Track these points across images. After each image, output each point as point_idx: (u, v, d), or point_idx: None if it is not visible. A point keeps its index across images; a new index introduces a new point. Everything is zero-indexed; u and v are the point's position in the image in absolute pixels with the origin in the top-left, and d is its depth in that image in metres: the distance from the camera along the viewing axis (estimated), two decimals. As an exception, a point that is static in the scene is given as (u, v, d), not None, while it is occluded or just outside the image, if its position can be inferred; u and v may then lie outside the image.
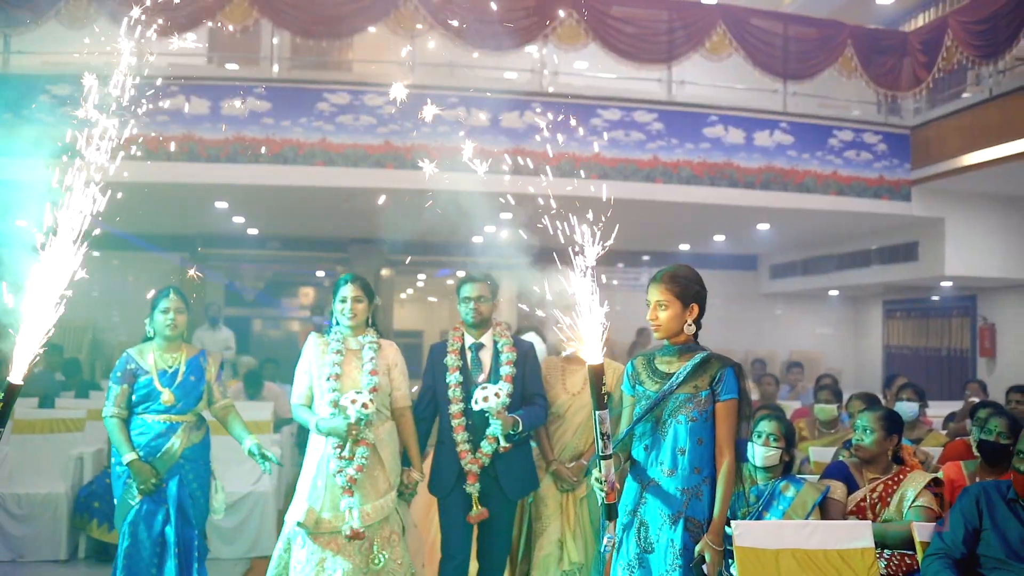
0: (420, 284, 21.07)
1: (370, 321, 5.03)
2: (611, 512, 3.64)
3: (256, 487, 7.39)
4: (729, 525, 4.05)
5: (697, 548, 3.58)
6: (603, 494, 3.58)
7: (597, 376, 3.47)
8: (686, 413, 3.71)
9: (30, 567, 6.88)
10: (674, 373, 3.77)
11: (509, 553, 5.24)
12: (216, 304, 13.65)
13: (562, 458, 5.24)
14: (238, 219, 13.23)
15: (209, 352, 5.50)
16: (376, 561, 4.67)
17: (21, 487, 7.07)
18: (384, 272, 16.05)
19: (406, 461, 4.95)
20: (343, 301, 4.89)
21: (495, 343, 5.11)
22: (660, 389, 3.76)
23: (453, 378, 4.99)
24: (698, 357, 3.78)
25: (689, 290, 3.82)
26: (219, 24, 10.20)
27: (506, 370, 4.98)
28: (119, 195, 3.21)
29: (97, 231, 3.08)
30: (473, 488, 4.87)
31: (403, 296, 22.50)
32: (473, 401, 4.74)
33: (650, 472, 3.75)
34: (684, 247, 16.16)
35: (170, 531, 4.94)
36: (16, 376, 3.02)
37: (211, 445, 5.37)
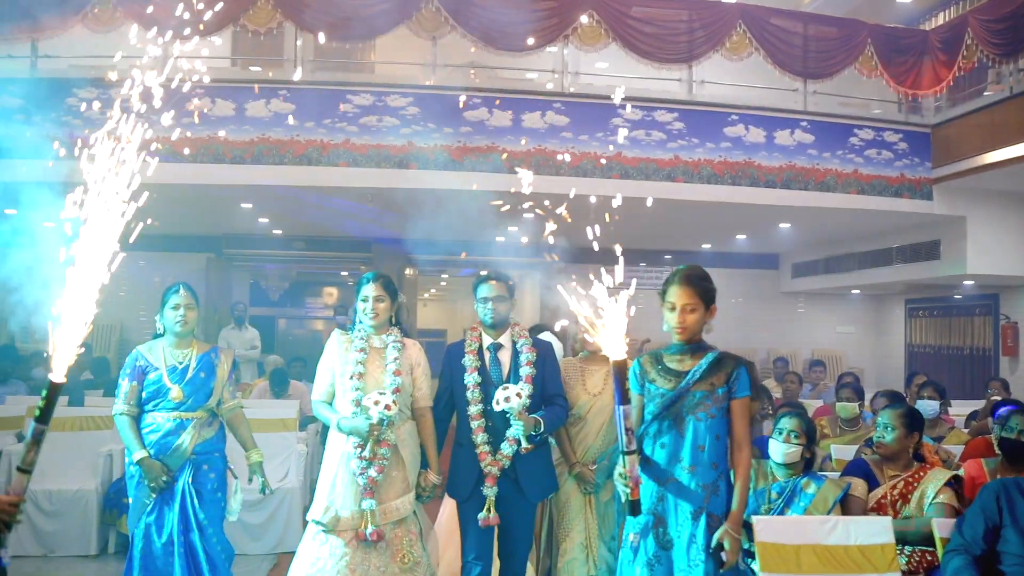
0: (443, 284, 21.14)
1: (394, 320, 4.98)
2: (635, 508, 3.64)
3: (282, 483, 7.47)
4: (750, 521, 4.11)
5: (716, 536, 3.62)
6: (627, 490, 3.59)
7: (621, 372, 3.49)
8: (704, 410, 3.75)
9: (61, 562, 6.99)
10: (687, 371, 3.80)
11: (529, 552, 5.15)
12: (242, 304, 13.78)
13: (584, 460, 5.18)
14: (263, 219, 13.34)
15: (223, 350, 5.45)
16: (405, 559, 4.66)
17: (52, 483, 7.17)
18: (408, 272, 16.13)
19: (424, 463, 4.90)
20: (365, 300, 4.84)
21: (514, 343, 5.00)
22: (676, 387, 3.78)
23: (471, 379, 4.87)
24: (712, 355, 3.82)
25: (710, 291, 3.87)
26: (243, 27, 10.31)
27: (526, 370, 4.87)
28: (147, 197, 3.28)
29: (135, 230, 3.15)
30: (491, 491, 4.76)
31: (426, 296, 22.58)
32: (494, 402, 4.63)
33: (669, 470, 3.77)
34: (706, 246, 16.15)
35: (175, 532, 4.92)
36: (58, 374, 3.08)
37: (227, 439, 5.37)
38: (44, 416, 3.14)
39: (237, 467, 5.46)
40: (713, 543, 3.62)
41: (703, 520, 3.69)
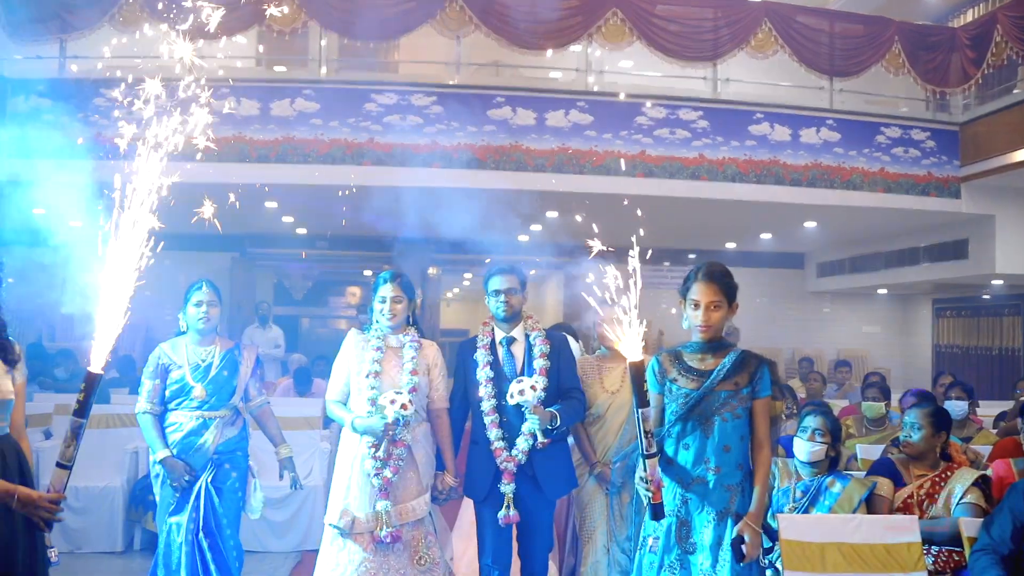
0: (467, 283, 21.16)
1: (411, 320, 4.89)
2: (657, 512, 3.56)
3: (306, 481, 7.48)
4: (770, 524, 4.08)
5: (736, 528, 3.58)
6: (649, 494, 3.51)
7: (638, 373, 3.42)
8: (730, 410, 3.69)
9: (87, 558, 7.03)
10: (710, 370, 3.73)
11: (551, 551, 5.05)
12: (266, 303, 13.83)
13: (605, 459, 5.07)
14: (287, 219, 13.39)
15: (246, 347, 5.40)
16: (423, 561, 4.59)
17: (78, 480, 7.19)
18: (431, 271, 16.14)
19: (441, 464, 4.82)
20: (382, 300, 4.76)
21: (527, 336, 4.88)
22: (700, 387, 3.71)
23: (484, 374, 4.76)
24: (735, 354, 3.76)
25: (733, 288, 3.80)
26: (268, 27, 10.36)
27: (540, 363, 4.74)
28: (177, 195, 3.30)
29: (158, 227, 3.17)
30: (508, 488, 4.65)
31: (450, 295, 22.58)
32: (509, 395, 4.53)
33: (694, 471, 3.71)
34: (731, 245, 16.09)
35: (186, 532, 4.90)
36: (96, 365, 3.09)
37: (250, 437, 5.35)
38: (83, 410, 3.14)
39: (260, 464, 5.45)
40: (733, 534, 3.58)
41: (730, 522, 3.64)
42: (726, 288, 3.76)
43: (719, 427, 3.69)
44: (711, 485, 3.68)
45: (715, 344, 3.78)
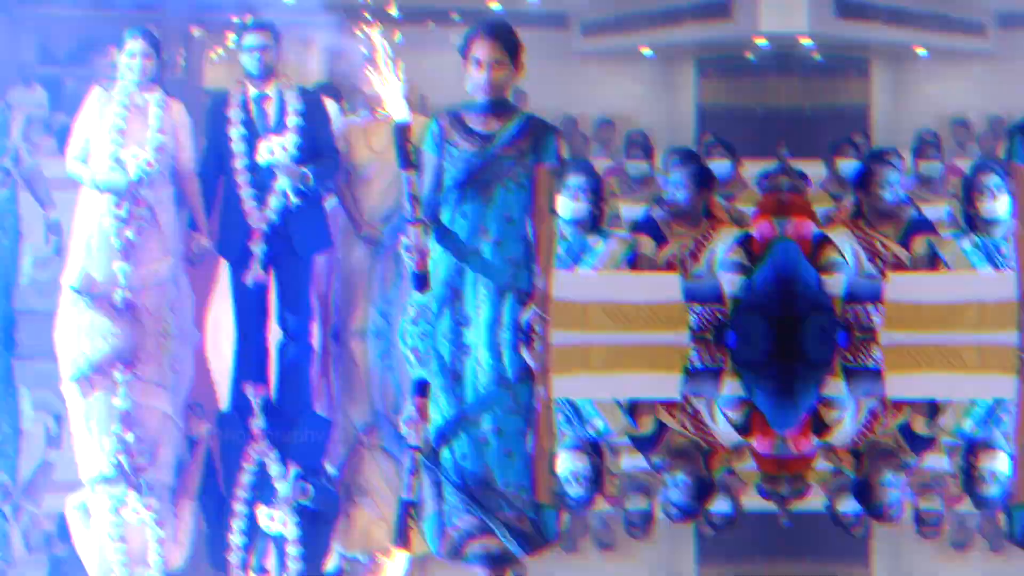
0: (230, 44, 20.19)
1: (158, 79, 4.83)
2: (420, 282, 3.51)
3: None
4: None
5: (524, 318, 3.54)
6: (412, 262, 3.46)
7: (403, 133, 3.32)
8: (514, 179, 3.57)
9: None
10: (493, 133, 3.59)
11: (311, 323, 5.11)
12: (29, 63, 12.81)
13: (372, 221, 5.07)
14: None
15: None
16: (166, 329, 4.62)
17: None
18: (194, 31, 15.28)
19: (192, 226, 4.80)
20: (131, 55, 4.66)
21: (279, 94, 4.82)
22: (483, 151, 3.57)
23: (236, 132, 4.71)
24: (523, 117, 3.66)
25: (518, 47, 3.63)
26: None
27: (293, 120, 4.72)
28: None
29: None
30: (258, 248, 4.69)
31: (214, 56, 21.52)
32: (258, 154, 4.55)
33: (471, 242, 3.59)
34: (494, 6, 15.73)
35: None
36: None
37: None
38: None
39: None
40: (522, 324, 3.56)
41: (512, 298, 3.59)
42: (510, 46, 3.59)
43: (501, 196, 3.58)
44: (488, 257, 3.59)
45: (500, 105, 3.63)
